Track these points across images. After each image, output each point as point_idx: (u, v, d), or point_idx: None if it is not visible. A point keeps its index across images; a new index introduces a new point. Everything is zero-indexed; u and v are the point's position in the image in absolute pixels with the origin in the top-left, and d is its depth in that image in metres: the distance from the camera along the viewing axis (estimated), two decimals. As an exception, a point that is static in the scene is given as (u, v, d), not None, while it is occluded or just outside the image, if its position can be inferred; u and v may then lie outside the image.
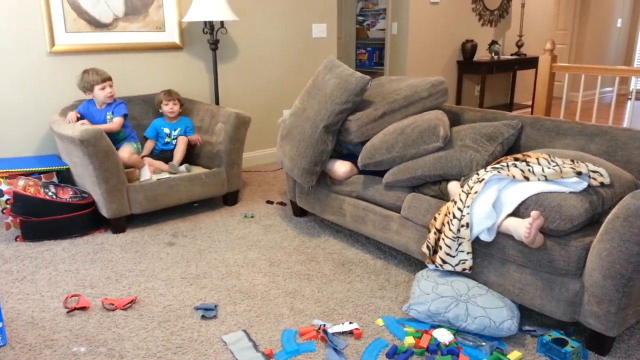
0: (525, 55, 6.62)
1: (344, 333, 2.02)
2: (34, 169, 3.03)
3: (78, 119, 3.10)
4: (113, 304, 2.21)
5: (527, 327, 2.03)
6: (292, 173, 2.85)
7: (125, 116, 3.19)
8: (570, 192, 1.93)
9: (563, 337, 1.87)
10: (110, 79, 3.16)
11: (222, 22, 3.90)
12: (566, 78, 4.39)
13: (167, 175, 3.18)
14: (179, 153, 3.37)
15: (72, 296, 2.30)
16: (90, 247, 2.83)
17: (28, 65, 3.26)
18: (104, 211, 2.95)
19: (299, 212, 3.26)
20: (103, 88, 3.11)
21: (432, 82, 2.82)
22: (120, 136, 3.22)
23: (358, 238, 2.94)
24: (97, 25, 3.47)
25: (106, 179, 2.86)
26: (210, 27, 3.79)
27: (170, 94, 3.48)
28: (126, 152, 3.08)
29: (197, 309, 2.19)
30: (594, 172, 1.99)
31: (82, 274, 2.52)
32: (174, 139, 3.46)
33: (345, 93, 2.62)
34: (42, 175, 3.06)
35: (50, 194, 2.91)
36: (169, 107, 3.45)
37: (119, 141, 3.19)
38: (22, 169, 2.99)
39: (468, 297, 1.99)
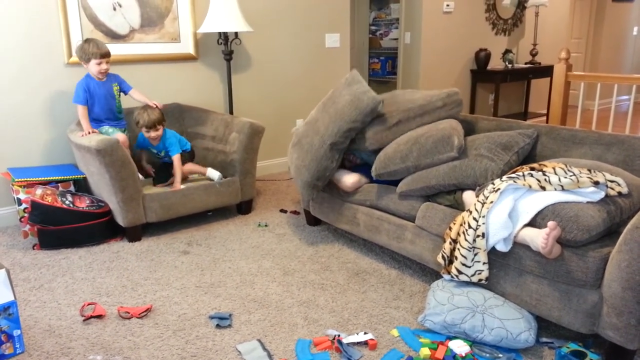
0: (539, 63, 6.57)
1: (358, 343, 2.01)
2: (51, 178, 3.07)
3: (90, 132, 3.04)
4: (129, 312, 2.23)
5: (544, 339, 2.01)
6: (295, 182, 2.89)
7: None
8: (588, 202, 1.91)
9: (582, 349, 1.84)
10: (108, 54, 3.12)
11: (236, 33, 3.93)
12: (582, 87, 4.35)
13: (184, 185, 3.21)
14: (177, 175, 3.21)
15: (88, 304, 2.32)
16: (106, 255, 2.85)
17: (46, 76, 3.31)
18: (120, 220, 2.98)
19: (313, 221, 3.26)
20: (99, 64, 3.08)
21: (447, 92, 2.85)
22: (120, 113, 3.32)
23: (372, 247, 2.93)
24: (114, 36, 3.52)
25: (122, 188, 2.89)
26: (224, 38, 3.84)
27: (147, 124, 3.15)
28: (125, 140, 3.15)
29: (211, 317, 2.19)
30: (611, 181, 1.97)
31: (98, 282, 2.54)
32: (165, 157, 3.34)
33: (355, 111, 2.62)
34: (59, 184, 3.10)
35: (67, 202, 2.95)
36: (152, 136, 3.21)
37: (119, 119, 3.31)
38: (40, 178, 3.03)
39: (484, 308, 1.97)
